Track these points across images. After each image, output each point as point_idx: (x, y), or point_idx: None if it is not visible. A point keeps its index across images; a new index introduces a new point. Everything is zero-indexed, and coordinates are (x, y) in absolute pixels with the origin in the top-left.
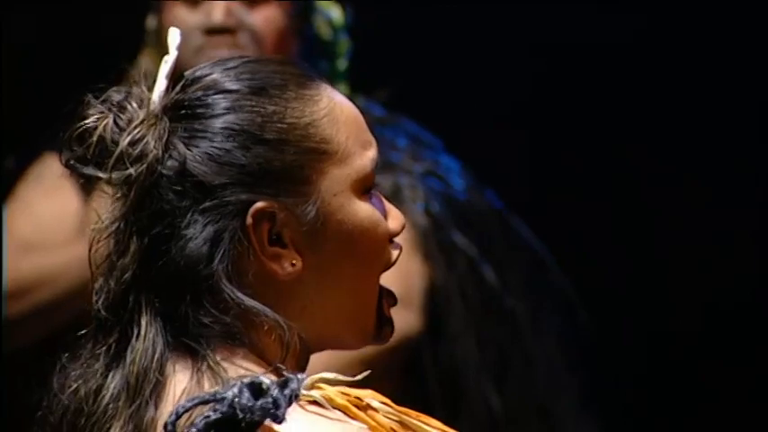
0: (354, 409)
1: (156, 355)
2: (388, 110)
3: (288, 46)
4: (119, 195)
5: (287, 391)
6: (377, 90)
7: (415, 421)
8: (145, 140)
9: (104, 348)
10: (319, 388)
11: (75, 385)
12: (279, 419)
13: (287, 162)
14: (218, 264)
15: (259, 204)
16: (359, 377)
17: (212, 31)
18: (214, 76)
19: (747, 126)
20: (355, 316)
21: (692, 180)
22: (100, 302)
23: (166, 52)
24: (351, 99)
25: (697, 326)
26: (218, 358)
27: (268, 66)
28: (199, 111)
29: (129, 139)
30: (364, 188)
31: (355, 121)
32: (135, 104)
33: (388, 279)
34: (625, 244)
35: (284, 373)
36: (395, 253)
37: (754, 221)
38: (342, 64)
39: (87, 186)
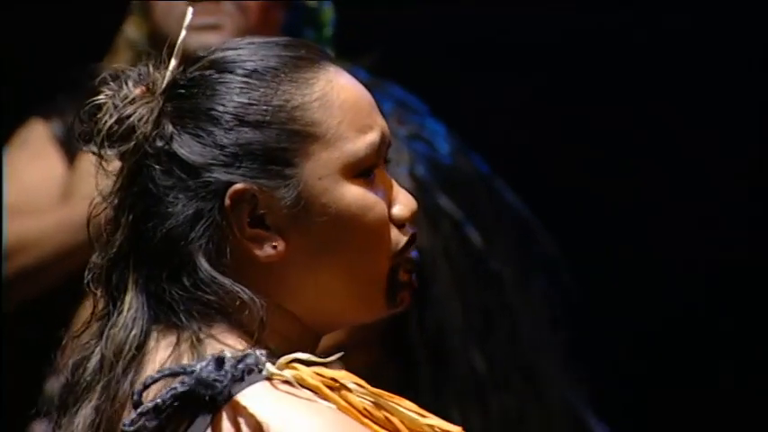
0: (326, 390)
1: (135, 331)
2: (373, 75)
3: (273, 14)
4: (117, 171)
5: (241, 366)
6: (362, 56)
7: (389, 402)
8: (131, 119)
9: (95, 322)
10: (293, 368)
11: (69, 360)
12: (218, 393)
13: (268, 144)
14: (197, 242)
15: (238, 186)
16: (333, 358)
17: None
18: (213, 57)
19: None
20: (355, 296)
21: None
22: (89, 277)
23: (150, 23)
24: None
25: (682, 291)
26: (201, 335)
27: (268, 48)
28: (191, 91)
29: (116, 116)
30: (357, 172)
31: (354, 106)
32: (132, 83)
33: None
34: (612, 207)
35: (250, 349)
36: (403, 239)
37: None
38: (327, 31)
39: (72, 151)
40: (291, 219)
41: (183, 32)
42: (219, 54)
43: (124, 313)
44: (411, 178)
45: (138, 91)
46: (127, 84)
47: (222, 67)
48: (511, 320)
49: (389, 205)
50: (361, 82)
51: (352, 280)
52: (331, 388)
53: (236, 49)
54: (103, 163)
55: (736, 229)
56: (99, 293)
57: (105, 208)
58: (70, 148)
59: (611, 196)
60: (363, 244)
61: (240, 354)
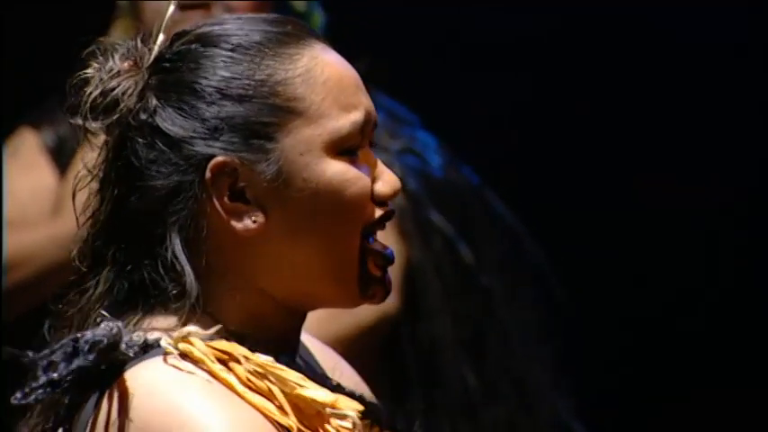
0: (208, 362)
1: (99, 309)
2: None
3: None
4: (102, 145)
5: (136, 340)
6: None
7: (274, 372)
8: (115, 92)
9: (78, 296)
10: (187, 342)
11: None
12: (111, 368)
13: (250, 118)
14: (174, 217)
15: (218, 159)
16: (212, 330)
17: (185, 7)
18: (199, 31)
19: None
20: (330, 274)
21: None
22: (75, 252)
23: (140, 23)
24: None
25: (673, 301)
26: (147, 315)
27: (254, 24)
28: (176, 65)
29: (101, 89)
30: (340, 149)
31: (338, 84)
32: (119, 57)
33: None
34: (604, 220)
35: (109, 321)
36: (378, 213)
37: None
38: None
39: (63, 161)
40: (272, 193)
41: (172, 7)
42: (206, 29)
43: (99, 288)
44: (403, 192)
45: (125, 65)
46: (113, 57)
47: (207, 41)
48: (501, 334)
49: (372, 183)
50: None
51: (328, 256)
52: (220, 360)
53: (222, 24)
54: (89, 136)
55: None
56: (83, 267)
57: (91, 181)
58: (61, 158)
59: (602, 205)
60: (342, 219)
61: (144, 332)
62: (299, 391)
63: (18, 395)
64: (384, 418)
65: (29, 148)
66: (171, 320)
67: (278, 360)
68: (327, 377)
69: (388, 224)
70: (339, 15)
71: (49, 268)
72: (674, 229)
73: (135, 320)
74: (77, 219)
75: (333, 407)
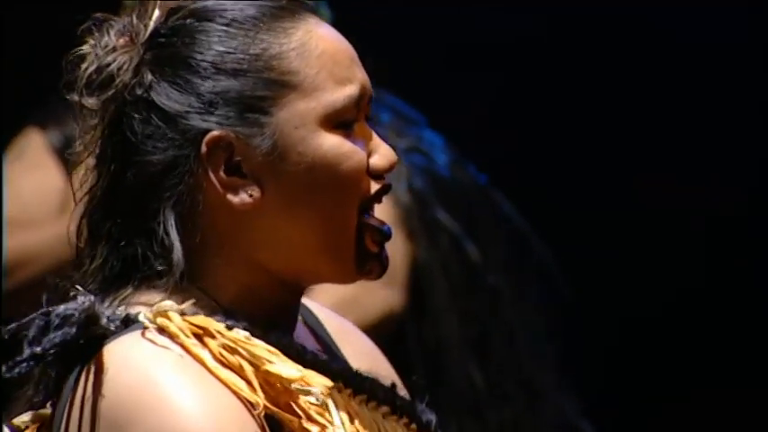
0: (183, 337)
1: (93, 285)
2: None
3: None
4: (95, 122)
5: (59, 310)
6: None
7: (245, 347)
8: (110, 67)
9: (75, 272)
10: (164, 316)
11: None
12: (90, 342)
13: (244, 92)
14: (169, 192)
15: (214, 133)
16: (188, 303)
17: None
18: (194, 6)
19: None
20: (326, 248)
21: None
22: (72, 228)
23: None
24: None
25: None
26: (136, 291)
27: None
28: (171, 40)
29: (96, 65)
30: (336, 123)
31: (333, 57)
32: (114, 33)
33: None
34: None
35: (82, 295)
36: (375, 187)
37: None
38: None
39: (69, 161)
40: (267, 167)
41: None
42: (201, 4)
43: (94, 263)
44: (409, 192)
45: (120, 41)
46: (109, 33)
47: (202, 15)
48: (508, 333)
49: (368, 157)
50: None
51: (324, 230)
52: (196, 335)
53: None
54: (84, 112)
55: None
56: (82, 243)
57: (88, 156)
58: (68, 158)
59: (609, 205)
60: (338, 193)
61: (128, 307)
62: (267, 366)
63: (3, 369)
64: (381, 394)
65: (35, 149)
66: (158, 296)
67: (269, 335)
68: (329, 352)
69: (395, 223)
70: (345, 14)
71: (56, 267)
72: (674, 229)
73: (125, 295)
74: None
75: (300, 382)
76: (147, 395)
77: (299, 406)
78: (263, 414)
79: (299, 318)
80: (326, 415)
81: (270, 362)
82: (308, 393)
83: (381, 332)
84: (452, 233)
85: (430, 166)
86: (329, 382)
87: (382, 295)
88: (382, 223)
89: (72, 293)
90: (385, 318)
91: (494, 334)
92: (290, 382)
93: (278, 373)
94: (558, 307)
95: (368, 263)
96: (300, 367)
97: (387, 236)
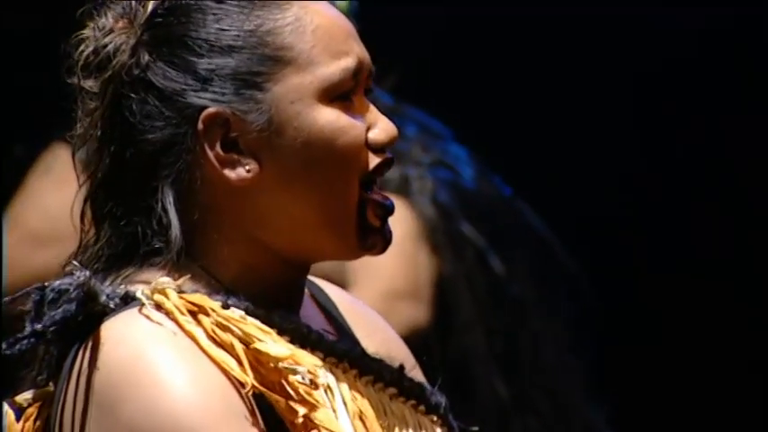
0: (177, 314)
1: (97, 265)
2: (396, 99)
3: None
4: (95, 105)
5: (54, 285)
6: (383, 77)
7: (237, 326)
8: (107, 49)
9: (81, 254)
10: (162, 293)
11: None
12: (87, 319)
13: (239, 69)
14: (167, 170)
15: (210, 110)
16: (183, 279)
17: None
18: None
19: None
20: (327, 223)
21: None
22: (74, 210)
23: None
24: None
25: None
26: (138, 269)
27: None
28: (167, 20)
29: (93, 46)
30: (333, 97)
31: (328, 31)
32: (112, 15)
33: (396, 270)
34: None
35: (77, 271)
36: (375, 160)
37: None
38: None
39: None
40: (264, 142)
41: None
42: None
43: (98, 244)
44: (434, 206)
45: (119, 23)
46: (106, 16)
47: None
48: (533, 345)
49: (367, 130)
50: (385, 106)
51: (324, 205)
52: (191, 312)
53: None
54: (84, 95)
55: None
56: (86, 226)
57: (88, 140)
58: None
59: (636, 215)
60: (336, 167)
61: (128, 284)
62: (257, 345)
63: (4, 346)
64: (388, 376)
65: (62, 164)
66: (156, 273)
67: (272, 313)
68: (341, 331)
69: (420, 237)
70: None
71: None
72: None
73: (127, 274)
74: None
75: (289, 361)
76: (136, 373)
77: (288, 385)
78: (251, 393)
79: (309, 296)
80: (315, 395)
81: (260, 340)
82: (295, 373)
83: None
84: (477, 247)
85: (455, 180)
86: (319, 362)
87: (407, 311)
88: (385, 198)
89: (67, 269)
90: (409, 332)
91: (519, 346)
92: (279, 360)
93: (267, 351)
94: (584, 318)
95: (370, 237)
96: (291, 346)
97: (390, 210)
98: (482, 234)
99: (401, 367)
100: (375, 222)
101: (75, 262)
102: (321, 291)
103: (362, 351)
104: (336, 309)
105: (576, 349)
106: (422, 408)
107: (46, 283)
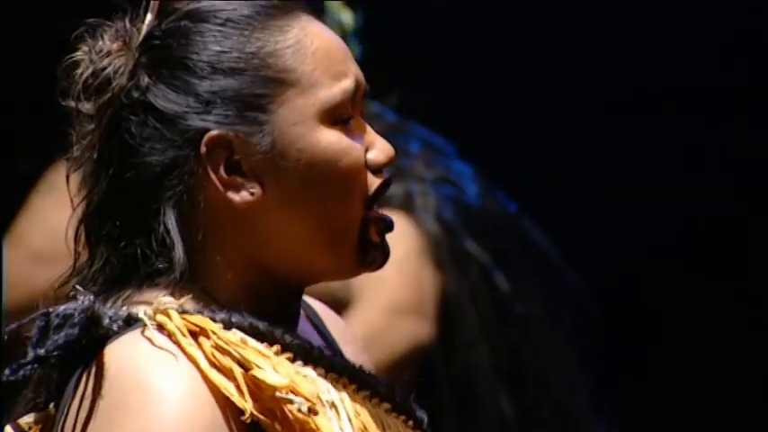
0: (179, 335)
1: (95, 288)
2: (400, 115)
3: None
4: (92, 127)
5: (59, 310)
6: (387, 94)
7: (237, 350)
8: (106, 71)
9: (74, 276)
10: (164, 314)
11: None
12: (91, 343)
13: (242, 91)
14: (170, 192)
15: (213, 132)
16: (184, 299)
17: None
18: (188, 8)
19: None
20: (329, 244)
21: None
22: (70, 232)
23: None
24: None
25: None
26: (137, 290)
27: None
28: (166, 42)
29: (92, 69)
30: (334, 118)
31: (328, 53)
32: (108, 38)
33: (400, 287)
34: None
35: (82, 295)
36: (376, 182)
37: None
38: None
39: None
40: (267, 164)
41: None
42: (194, 5)
43: (94, 266)
44: (438, 223)
45: (114, 45)
46: (103, 38)
47: (197, 17)
48: (538, 362)
49: (366, 151)
50: (389, 123)
51: (326, 226)
52: (192, 333)
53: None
54: (81, 117)
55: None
56: (80, 248)
57: (84, 163)
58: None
59: (641, 231)
60: (339, 188)
61: (130, 306)
62: (255, 371)
63: (7, 372)
64: (383, 391)
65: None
66: (158, 294)
67: (273, 330)
68: (332, 348)
69: (424, 254)
70: (374, 48)
71: None
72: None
73: (125, 296)
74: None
75: (285, 390)
76: (133, 398)
77: (284, 413)
78: (249, 420)
79: (303, 314)
80: (311, 424)
81: (259, 367)
82: (290, 402)
83: (410, 364)
84: (481, 263)
85: (459, 197)
86: (323, 389)
87: (411, 328)
88: (385, 214)
89: (71, 294)
90: (414, 350)
91: (524, 363)
92: (276, 389)
93: (264, 379)
94: (589, 334)
95: (371, 253)
96: (292, 372)
97: (389, 225)
98: (486, 251)
99: (392, 382)
100: (375, 238)
101: (78, 286)
102: (310, 307)
103: (360, 366)
104: (323, 324)
105: (580, 366)
106: (410, 423)
107: (50, 309)
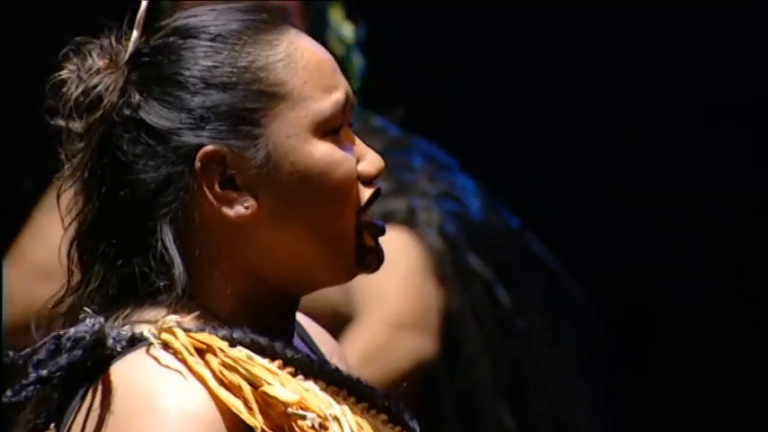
0: (185, 354)
1: (92, 307)
2: (403, 130)
3: None
4: (82, 146)
5: (70, 333)
6: (389, 107)
7: (245, 366)
8: (97, 89)
9: (68, 296)
10: (169, 332)
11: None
12: (95, 363)
13: (235, 105)
14: (165, 208)
15: (207, 148)
16: (191, 316)
17: None
18: (176, 24)
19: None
20: (325, 255)
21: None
22: (63, 251)
23: None
24: (365, 117)
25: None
26: (137, 309)
27: (230, 14)
28: (155, 58)
29: (82, 87)
30: (326, 131)
31: (318, 66)
32: (96, 55)
33: (403, 302)
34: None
35: (91, 317)
36: (367, 193)
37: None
38: (354, 81)
39: None
40: (262, 178)
41: (144, 2)
42: (182, 21)
43: (90, 286)
44: (441, 238)
45: (101, 63)
46: (91, 56)
47: (186, 33)
48: (540, 377)
49: (356, 162)
50: (392, 137)
51: (321, 237)
52: (199, 350)
53: (198, 15)
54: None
55: None
56: (73, 267)
57: (75, 182)
58: None
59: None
60: (332, 199)
61: (132, 326)
62: (266, 388)
63: (9, 393)
64: (380, 402)
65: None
66: (160, 312)
67: (274, 345)
68: (320, 358)
69: (427, 269)
70: (377, 61)
71: None
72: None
73: (125, 314)
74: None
75: (296, 406)
76: (141, 417)
77: (294, 429)
78: None
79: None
80: None
81: (268, 383)
82: (303, 418)
83: (412, 379)
84: (484, 279)
85: (462, 212)
86: (329, 404)
87: (413, 342)
88: (376, 220)
89: (81, 316)
90: (416, 365)
91: (526, 378)
92: (288, 405)
93: (275, 395)
94: (592, 349)
95: (366, 257)
96: (306, 387)
97: (382, 230)
98: (489, 265)
99: (387, 393)
100: (370, 242)
101: (87, 308)
102: (297, 321)
103: (357, 378)
104: (310, 337)
105: (583, 381)
106: None
107: (61, 332)
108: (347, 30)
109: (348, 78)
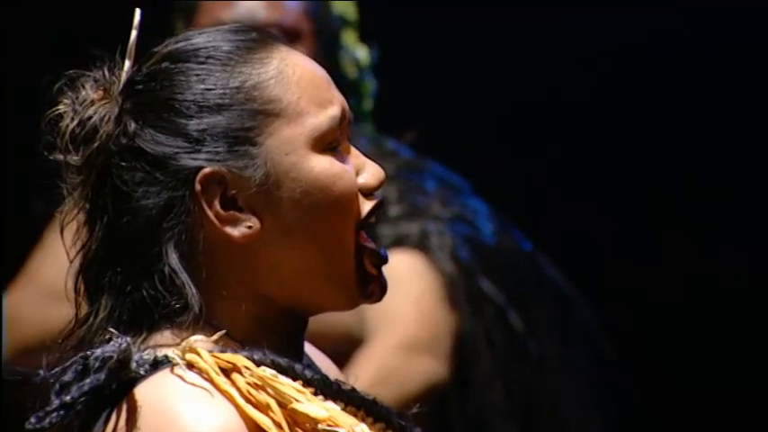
0: (212, 373)
1: (99, 334)
2: (416, 152)
3: None
4: (82, 178)
5: (98, 353)
6: (402, 130)
7: (272, 385)
8: (92, 120)
9: (78, 328)
10: (194, 352)
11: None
12: (120, 386)
13: (230, 126)
14: (168, 233)
15: (206, 170)
16: (216, 336)
17: None
18: (166, 50)
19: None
20: (330, 272)
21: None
22: (69, 284)
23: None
24: (379, 140)
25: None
26: (152, 333)
27: (220, 35)
28: (149, 86)
29: (77, 120)
30: (324, 145)
31: (311, 82)
32: (90, 87)
33: (415, 325)
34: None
35: (118, 338)
36: (369, 205)
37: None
38: (368, 104)
39: None
40: (263, 197)
41: (134, 33)
42: (172, 47)
43: (100, 315)
44: (454, 262)
45: (96, 94)
46: (84, 88)
47: (177, 57)
48: (552, 400)
49: (356, 175)
50: (405, 160)
51: (324, 253)
52: (225, 369)
53: (187, 39)
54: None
55: None
56: (80, 298)
57: (77, 214)
58: None
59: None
60: (334, 213)
61: (154, 349)
62: (295, 405)
63: (33, 420)
64: (397, 423)
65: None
66: (180, 334)
67: (294, 366)
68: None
69: (439, 293)
70: (390, 84)
71: None
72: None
73: (141, 340)
74: (67, 252)
75: (327, 423)
76: None
77: None
78: None
79: None
80: None
81: (297, 401)
82: None
83: (424, 402)
84: (496, 303)
85: (475, 236)
86: (355, 422)
87: (424, 366)
88: (378, 246)
89: (107, 337)
90: (428, 388)
91: (538, 402)
92: (318, 422)
93: (305, 412)
94: (604, 373)
95: (369, 285)
96: (328, 406)
97: (384, 258)
98: (501, 289)
99: (403, 415)
100: (372, 271)
101: (111, 329)
102: None
103: (374, 398)
104: (310, 358)
105: (595, 404)
106: None
107: (89, 353)
108: (361, 52)
109: (361, 100)
